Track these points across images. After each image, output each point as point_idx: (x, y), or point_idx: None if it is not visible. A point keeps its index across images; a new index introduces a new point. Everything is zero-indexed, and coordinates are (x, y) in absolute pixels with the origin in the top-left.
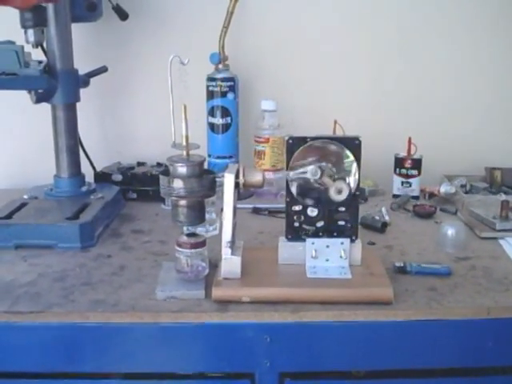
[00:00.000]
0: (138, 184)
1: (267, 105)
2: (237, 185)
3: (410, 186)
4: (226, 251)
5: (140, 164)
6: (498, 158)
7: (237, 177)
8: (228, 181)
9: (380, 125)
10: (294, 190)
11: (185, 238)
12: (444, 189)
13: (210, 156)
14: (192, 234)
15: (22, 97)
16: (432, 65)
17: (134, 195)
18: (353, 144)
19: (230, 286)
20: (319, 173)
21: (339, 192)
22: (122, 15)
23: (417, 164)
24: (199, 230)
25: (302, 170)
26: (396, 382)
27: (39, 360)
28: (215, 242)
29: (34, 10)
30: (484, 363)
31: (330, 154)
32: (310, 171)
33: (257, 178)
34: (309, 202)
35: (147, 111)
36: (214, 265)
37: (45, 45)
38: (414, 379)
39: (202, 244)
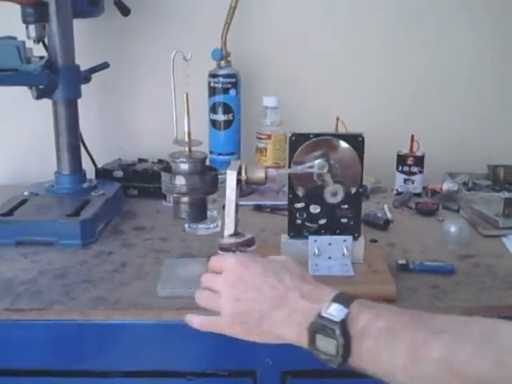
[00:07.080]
0: (139, 181)
1: (269, 101)
2: (239, 182)
3: (413, 183)
4: None
5: (141, 160)
6: (501, 156)
7: (239, 174)
8: (230, 178)
9: (382, 122)
10: (295, 186)
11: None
12: (446, 186)
13: (211, 153)
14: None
15: (23, 93)
16: (435, 63)
17: (135, 192)
18: (356, 141)
19: None
20: (327, 166)
21: (334, 195)
22: (124, 10)
23: (419, 161)
24: (200, 227)
25: (308, 164)
26: None
27: (40, 357)
28: (216, 239)
29: (36, 6)
30: None
31: (332, 151)
32: (318, 165)
33: (259, 174)
34: (311, 199)
35: (148, 107)
36: None
37: (46, 40)
38: None
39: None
